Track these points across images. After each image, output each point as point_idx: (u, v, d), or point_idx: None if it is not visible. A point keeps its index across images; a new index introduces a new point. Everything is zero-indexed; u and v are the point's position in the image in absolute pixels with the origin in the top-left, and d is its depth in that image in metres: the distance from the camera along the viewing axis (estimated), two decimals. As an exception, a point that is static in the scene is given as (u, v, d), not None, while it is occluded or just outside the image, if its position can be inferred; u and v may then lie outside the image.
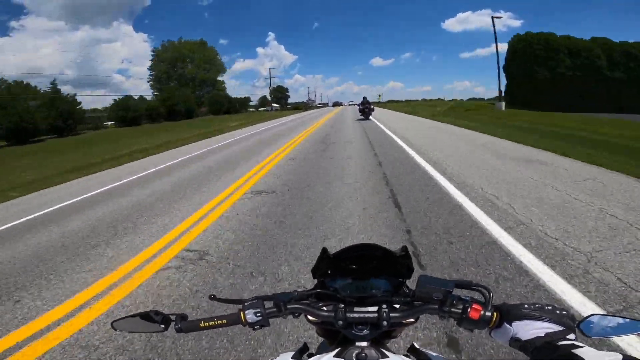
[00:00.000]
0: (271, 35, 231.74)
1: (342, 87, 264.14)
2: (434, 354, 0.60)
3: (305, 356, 0.63)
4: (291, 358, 0.60)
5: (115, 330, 0.62)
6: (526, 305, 0.52)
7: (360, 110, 18.67)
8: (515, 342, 0.51)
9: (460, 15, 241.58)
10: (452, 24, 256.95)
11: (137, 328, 0.61)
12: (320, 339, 0.72)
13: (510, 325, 0.51)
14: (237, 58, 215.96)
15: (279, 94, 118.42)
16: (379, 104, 52.45)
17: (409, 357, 0.56)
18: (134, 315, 0.61)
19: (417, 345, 0.64)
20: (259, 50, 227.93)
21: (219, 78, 61.36)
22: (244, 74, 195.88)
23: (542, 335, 0.49)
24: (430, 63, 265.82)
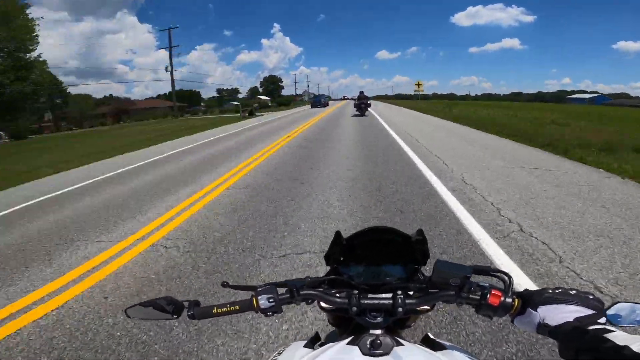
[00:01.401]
0: (276, 26, 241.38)
1: (347, 80, 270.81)
2: (449, 343, 0.61)
3: (317, 345, 0.63)
4: (303, 347, 0.61)
5: (129, 317, 0.64)
6: (550, 290, 0.53)
7: (356, 106, 18.30)
8: (543, 328, 0.51)
9: (471, 9, 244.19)
10: (462, 18, 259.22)
11: (150, 315, 0.63)
12: (328, 329, 0.72)
13: (536, 310, 0.52)
14: (241, 49, 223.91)
15: (271, 85, 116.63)
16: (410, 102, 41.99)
17: (424, 347, 0.56)
18: (146, 303, 0.62)
19: (431, 336, 0.65)
20: (264, 41, 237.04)
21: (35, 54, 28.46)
22: (248, 66, 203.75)
23: (571, 319, 0.49)
24: (438, 57, 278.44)
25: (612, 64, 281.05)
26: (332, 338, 0.68)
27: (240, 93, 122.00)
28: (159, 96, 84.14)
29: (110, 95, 70.30)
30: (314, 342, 0.64)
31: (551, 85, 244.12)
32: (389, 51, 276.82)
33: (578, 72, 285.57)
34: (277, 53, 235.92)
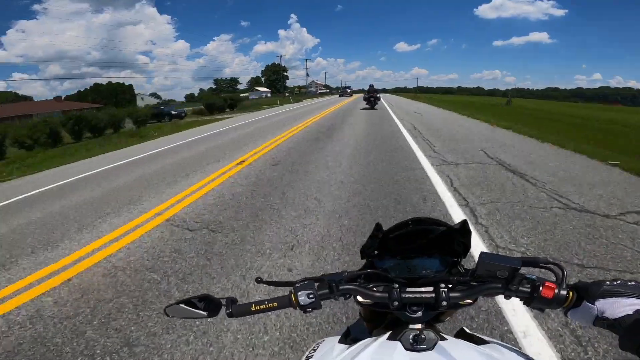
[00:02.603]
0: (293, 17, 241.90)
1: (364, 72, 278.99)
2: (488, 337, 0.60)
3: (349, 340, 0.64)
4: (338, 342, 0.62)
5: (168, 316, 0.65)
6: (607, 282, 0.52)
7: (366, 99, 18.77)
8: (602, 321, 0.51)
9: (496, 1, 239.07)
10: (486, 11, 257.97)
11: (188, 313, 0.63)
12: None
13: (593, 304, 0.51)
14: (258, 40, 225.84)
15: (274, 74, 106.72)
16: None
17: (464, 340, 0.56)
18: (184, 301, 0.63)
19: (468, 330, 0.65)
20: (281, 32, 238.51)
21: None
22: (265, 57, 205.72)
23: (631, 312, 0.48)
24: (459, 50, 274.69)
25: None
26: (362, 333, 0.69)
27: (239, 84, 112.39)
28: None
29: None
30: (346, 337, 0.66)
31: (580, 81, 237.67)
32: (408, 43, 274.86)
33: (609, 68, 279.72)
34: (293, 44, 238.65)
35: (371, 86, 19.40)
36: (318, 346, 0.64)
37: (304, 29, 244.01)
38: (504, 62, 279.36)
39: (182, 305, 0.63)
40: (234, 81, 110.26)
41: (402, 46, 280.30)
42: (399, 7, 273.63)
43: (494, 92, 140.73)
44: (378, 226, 0.65)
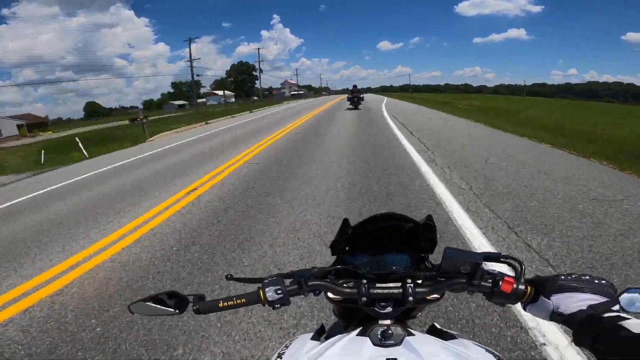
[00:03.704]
0: (276, 17, 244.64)
1: (349, 72, 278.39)
2: (457, 333, 0.62)
3: (322, 337, 0.64)
4: (311, 339, 0.62)
5: (132, 313, 0.64)
6: (562, 277, 0.54)
7: (349, 99, 19.22)
8: (557, 316, 0.53)
9: None
10: (466, 8, 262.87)
11: (154, 311, 0.63)
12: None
13: (549, 299, 0.53)
14: (241, 41, 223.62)
15: (241, 75, 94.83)
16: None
17: (434, 336, 0.58)
18: (149, 298, 0.63)
19: (438, 326, 0.67)
20: (264, 33, 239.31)
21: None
22: (248, 58, 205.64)
23: (585, 307, 0.50)
24: (441, 48, 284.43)
25: (620, 55, 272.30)
26: (336, 329, 0.71)
27: (203, 87, 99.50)
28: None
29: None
30: (320, 334, 0.66)
31: (557, 77, 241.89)
32: (391, 42, 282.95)
33: (584, 63, 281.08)
34: (277, 45, 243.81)
35: (354, 86, 20.10)
36: (291, 343, 0.64)
37: (287, 30, 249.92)
38: (484, 59, 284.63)
39: (149, 303, 0.62)
40: (196, 84, 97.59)
41: (385, 45, 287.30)
42: (382, 5, 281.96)
43: (481, 90, 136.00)
44: (346, 222, 0.68)
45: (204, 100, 68.88)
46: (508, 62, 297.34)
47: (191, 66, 42.95)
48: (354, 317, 0.66)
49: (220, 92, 70.71)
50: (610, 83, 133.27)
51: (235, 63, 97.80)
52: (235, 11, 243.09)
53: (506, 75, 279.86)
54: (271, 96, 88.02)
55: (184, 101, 76.60)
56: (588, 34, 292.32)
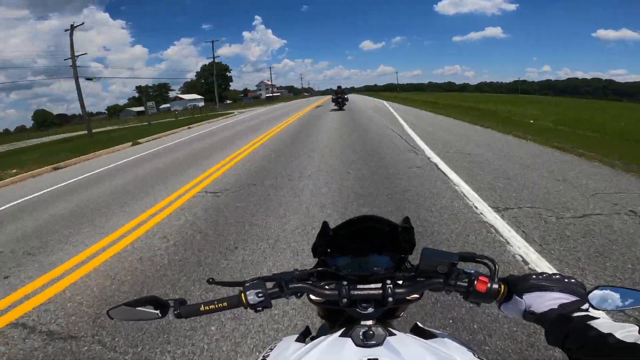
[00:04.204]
0: (258, 19, 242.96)
1: (332, 72, 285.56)
2: (439, 331, 0.64)
3: (308, 339, 0.65)
4: (295, 341, 0.63)
5: (112, 318, 0.65)
6: (534, 276, 0.56)
7: (334, 100, 19.81)
8: (530, 315, 0.54)
9: None
10: (445, 7, 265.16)
11: (134, 316, 0.64)
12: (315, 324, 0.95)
13: (521, 298, 0.55)
14: (222, 43, 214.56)
15: (212, 76, 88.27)
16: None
17: (415, 336, 0.60)
18: (130, 303, 0.64)
19: (420, 325, 0.68)
20: (246, 34, 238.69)
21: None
22: (230, 60, 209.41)
23: (556, 307, 0.52)
24: (422, 47, 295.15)
25: (592, 52, 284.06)
26: (324, 331, 0.70)
27: (172, 90, 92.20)
28: None
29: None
30: (305, 336, 0.67)
31: (532, 74, 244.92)
32: (374, 41, 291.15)
33: (557, 60, 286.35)
34: (259, 46, 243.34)
35: (339, 87, 20.74)
36: (275, 345, 0.65)
37: (269, 31, 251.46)
38: (463, 58, 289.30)
39: (128, 308, 0.63)
40: (164, 87, 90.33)
41: (368, 44, 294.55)
42: (364, 5, 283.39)
43: (465, 88, 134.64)
44: (325, 225, 0.69)
45: (168, 105, 62.39)
46: (486, 60, 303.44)
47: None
48: (337, 318, 0.67)
49: (187, 97, 64.21)
50: (589, 79, 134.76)
51: (207, 64, 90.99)
52: (215, 13, 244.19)
53: (484, 73, 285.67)
54: (255, 98, 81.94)
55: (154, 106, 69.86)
56: (560, 31, 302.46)
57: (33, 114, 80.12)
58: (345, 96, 19.61)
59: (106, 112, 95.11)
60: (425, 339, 0.57)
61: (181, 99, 68.74)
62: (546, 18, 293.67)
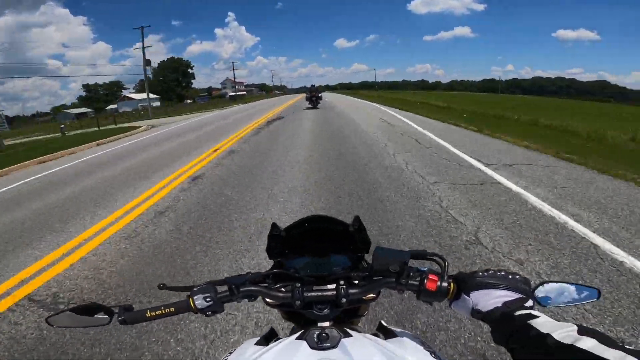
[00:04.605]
0: (231, 15, 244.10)
1: (307, 70, 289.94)
2: (401, 330, 0.65)
3: (273, 341, 0.63)
4: (255, 344, 0.62)
5: (51, 325, 0.62)
6: (480, 273, 0.56)
7: (308, 99, 19.75)
8: (477, 313, 0.54)
9: None
10: (418, 6, 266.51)
11: (77, 323, 0.62)
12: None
13: (469, 296, 0.54)
14: (193, 40, 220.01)
15: (172, 73, 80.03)
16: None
17: (376, 335, 0.61)
18: (71, 310, 0.61)
19: (384, 324, 0.69)
20: (218, 31, 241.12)
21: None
22: (201, 57, 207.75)
23: (500, 305, 0.51)
24: (395, 45, 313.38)
25: (551, 51, 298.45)
26: (294, 333, 0.68)
27: (126, 88, 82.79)
28: None
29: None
30: (268, 338, 0.66)
31: (496, 72, 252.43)
32: (348, 39, 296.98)
33: (520, 59, 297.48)
34: (232, 43, 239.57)
35: (312, 86, 20.76)
36: (235, 349, 0.63)
37: (243, 28, 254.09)
38: (434, 56, 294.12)
39: (71, 315, 0.61)
40: (115, 85, 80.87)
41: (342, 42, 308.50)
42: (338, 3, 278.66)
43: (436, 87, 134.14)
44: (274, 226, 0.69)
45: (115, 106, 54.39)
46: (455, 59, 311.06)
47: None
48: (299, 320, 0.66)
49: (138, 96, 56.31)
50: (553, 79, 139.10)
51: (165, 59, 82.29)
52: (186, 9, 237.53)
53: (453, 72, 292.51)
54: (219, 97, 74.10)
55: (112, 105, 60.99)
56: (523, 31, 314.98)
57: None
58: (320, 94, 19.84)
59: (51, 112, 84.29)
60: (386, 338, 0.59)
61: (130, 99, 60.17)
62: (511, 18, 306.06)
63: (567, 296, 0.54)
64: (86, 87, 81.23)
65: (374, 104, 21.02)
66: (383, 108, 16.70)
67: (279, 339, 0.61)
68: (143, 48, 30.35)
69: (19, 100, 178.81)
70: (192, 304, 0.59)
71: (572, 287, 0.54)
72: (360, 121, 11.32)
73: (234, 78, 73.14)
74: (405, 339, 0.58)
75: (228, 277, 0.62)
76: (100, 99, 76.53)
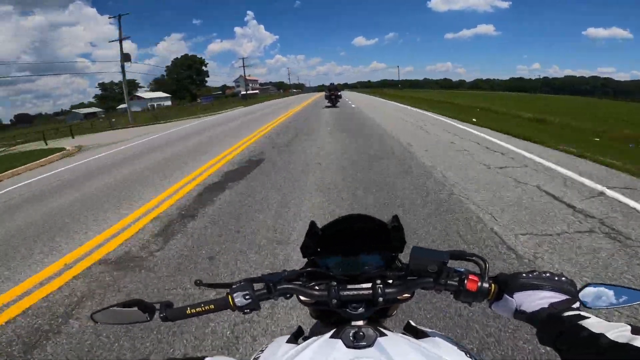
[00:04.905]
0: (250, 14, 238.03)
1: (325, 68, 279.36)
2: (431, 330, 0.64)
3: (301, 339, 0.63)
4: (286, 342, 0.61)
5: (95, 322, 0.63)
6: (524, 274, 0.55)
7: (327, 97, 19.38)
8: (520, 314, 0.53)
9: None
10: (438, 4, 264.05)
11: (119, 319, 0.63)
12: (310, 322, 0.79)
13: (512, 297, 0.54)
14: (213, 39, 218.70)
15: (184, 70, 77.38)
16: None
17: (407, 335, 0.60)
18: (115, 306, 0.63)
19: (413, 324, 0.69)
20: (237, 30, 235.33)
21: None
22: (221, 56, 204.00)
23: (547, 306, 0.51)
24: (415, 43, 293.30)
25: (581, 50, 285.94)
26: (317, 331, 0.68)
27: (142, 87, 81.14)
28: None
29: None
30: (297, 336, 0.65)
31: (522, 71, 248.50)
32: (366, 37, 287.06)
33: (547, 57, 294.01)
34: (251, 42, 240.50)
35: (332, 84, 20.29)
36: (266, 347, 0.63)
37: (262, 26, 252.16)
38: (455, 54, 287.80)
39: (114, 311, 0.62)
40: (131, 84, 79.13)
41: (360, 40, 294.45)
42: (356, 0, 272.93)
43: (460, 85, 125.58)
44: (312, 224, 0.69)
45: (125, 106, 51.80)
46: (477, 57, 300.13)
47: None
48: (329, 318, 0.66)
49: (149, 95, 53.61)
50: (587, 77, 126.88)
51: (179, 57, 79.66)
52: (206, 8, 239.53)
53: (474, 70, 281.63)
54: (232, 96, 70.51)
55: (123, 104, 58.60)
56: (550, 29, 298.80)
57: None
58: (339, 93, 19.79)
59: (70, 111, 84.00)
60: (417, 338, 0.58)
61: (140, 98, 57.18)
62: (538, 16, 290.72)
63: (612, 298, 0.53)
64: (102, 85, 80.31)
65: (417, 109, 15.08)
66: (443, 119, 10.59)
67: (306, 337, 0.63)
68: (120, 40, 25.82)
69: (49, 98, 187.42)
70: (231, 301, 0.59)
71: (618, 290, 0.53)
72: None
73: (245, 75, 68.58)
74: (437, 338, 0.58)
75: (264, 274, 0.62)
76: (116, 98, 74.82)
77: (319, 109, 18.53)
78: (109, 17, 36.60)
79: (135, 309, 0.60)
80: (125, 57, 26.45)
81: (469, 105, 16.96)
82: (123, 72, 26.48)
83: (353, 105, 20.08)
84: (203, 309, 0.60)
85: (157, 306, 0.62)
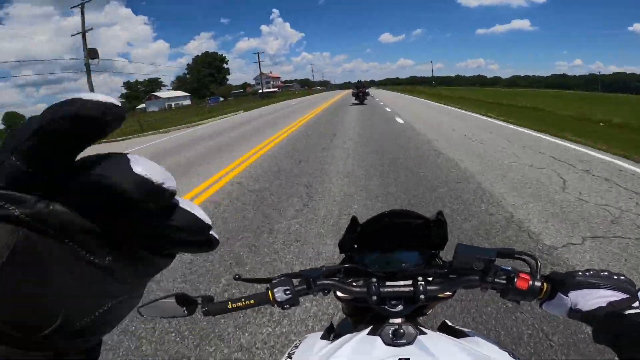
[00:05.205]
0: (275, 12, 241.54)
1: (351, 65, 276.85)
2: (468, 330, 0.63)
3: (332, 336, 0.65)
4: (320, 338, 0.63)
5: (142, 315, 0.63)
6: (580, 273, 0.54)
7: (355, 95, 19.14)
8: (575, 313, 0.52)
9: None
10: None
11: (163, 313, 0.63)
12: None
13: (567, 295, 0.52)
14: (240, 37, 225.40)
15: (205, 68, 76.47)
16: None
17: (445, 334, 0.59)
18: (158, 299, 0.63)
19: (449, 323, 0.68)
20: (263, 28, 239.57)
21: None
22: (248, 54, 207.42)
23: (605, 304, 0.49)
24: (443, 40, 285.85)
25: (627, 47, 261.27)
26: (345, 327, 0.71)
27: (164, 85, 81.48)
28: None
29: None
30: (329, 332, 0.67)
31: (562, 67, 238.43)
32: (393, 34, 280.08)
33: (590, 54, 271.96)
34: (277, 40, 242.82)
35: (359, 81, 20.98)
36: (300, 343, 0.65)
37: (287, 24, 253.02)
38: (487, 51, 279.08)
39: (158, 305, 0.62)
40: (154, 83, 79.52)
41: (387, 37, 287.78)
42: None
43: (496, 81, 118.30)
44: (354, 220, 0.67)
45: (143, 106, 50.72)
46: (510, 53, 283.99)
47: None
48: (363, 315, 0.67)
49: (166, 94, 52.53)
50: (638, 74, 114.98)
51: (200, 54, 78.78)
52: (233, 7, 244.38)
53: (509, 66, 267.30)
54: (252, 94, 68.13)
55: (141, 104, 58.47)
56: (592, 24, 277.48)
57: (3, 117, 69.43)
58: (367, 90, 19.52)
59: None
60: (456, 337, 0.57)
61: (158, 97, 56.09)
62: (578, 11, 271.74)
63: None
64: (127, 84, 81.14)
65: (470, 113, 11.82)
66: (521, 130, 7.48)
67: (337, 333, 0.63)
68: (83, 33, 21.44)
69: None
70: (271, 296, 0.59)
71: None
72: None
73: (260, 71, 63.54)
74: (477, 338, 0.58)
75: (303, 270, 0.63)
76: (139, 97, 75.28)
77: (338, 125, 9.98)
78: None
79: (179, 303, 0.60)
80: (91, 54, 21.81)
81: (533, 107, 13.56)
82: (88, 70, 21.81)
83: (399, 120, 10.05)
84: (244, 303, 0.60)
85: (199, 300, 0.61)
